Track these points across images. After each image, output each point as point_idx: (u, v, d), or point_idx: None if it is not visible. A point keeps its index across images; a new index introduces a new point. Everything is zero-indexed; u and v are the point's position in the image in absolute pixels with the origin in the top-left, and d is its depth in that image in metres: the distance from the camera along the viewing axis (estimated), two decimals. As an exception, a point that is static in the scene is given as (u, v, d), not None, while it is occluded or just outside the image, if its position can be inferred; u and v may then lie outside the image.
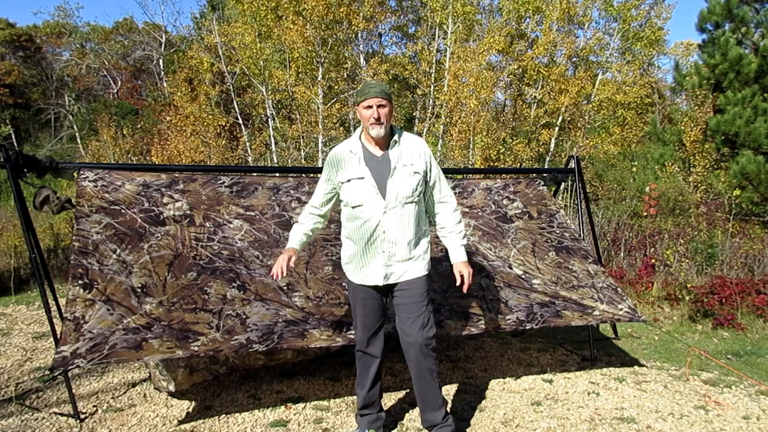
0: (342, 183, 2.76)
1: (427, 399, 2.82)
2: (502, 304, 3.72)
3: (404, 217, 2.69)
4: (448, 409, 2.91)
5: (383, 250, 2.72)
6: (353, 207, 2.74)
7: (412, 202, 2.70)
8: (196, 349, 2.89)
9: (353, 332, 3.05)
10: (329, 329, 3.16)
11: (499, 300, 3.75)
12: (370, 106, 2.63)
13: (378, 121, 2.63)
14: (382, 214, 2.68)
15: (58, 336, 3.18)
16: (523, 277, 3.98)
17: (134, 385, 3.66)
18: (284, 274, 2.71)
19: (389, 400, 3.47)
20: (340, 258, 3.57)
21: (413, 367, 2.79)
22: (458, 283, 2.79)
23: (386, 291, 2.83)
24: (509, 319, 3.61)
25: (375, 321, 2.84)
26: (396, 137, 2.72)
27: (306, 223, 2.91)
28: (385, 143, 2.72)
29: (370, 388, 2.90)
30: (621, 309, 3.89)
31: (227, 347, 2.94)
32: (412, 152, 2.72)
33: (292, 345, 3.04)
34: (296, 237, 2.88)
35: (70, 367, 2.78)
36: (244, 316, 3.13)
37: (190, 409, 3.28)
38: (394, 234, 2.70)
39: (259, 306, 3.22)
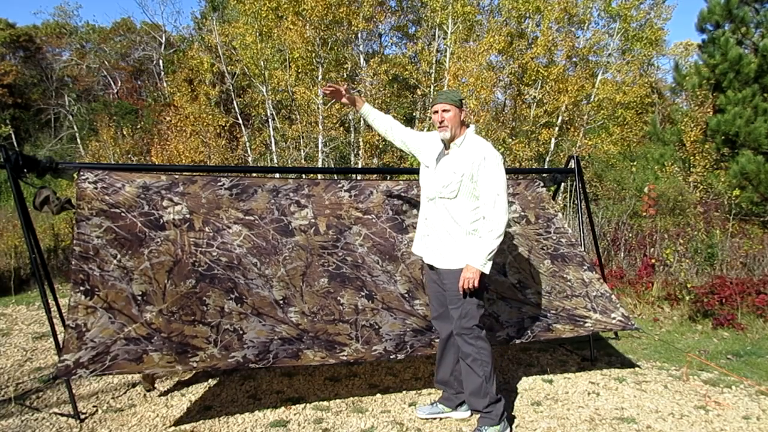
0: (420, 161, 3.12)
1: (465, 382, 3.02)
2: (494, 319, 3.72)
3: (441, 210, 2.94)
4: (499, 406, 2.97)
5: (426, 234, 3.05)
6: (421, 186, 3.12)
7: (447, 198, 2.91)
8: (195, 364, 2.94)
9: (345, 353, 3.21)
10: (323, 350, 3.21)
11: (491, 315, 3.75)
12: (437, 111, 2.92)
13: (441, 124, 2.91)
14: (427, 202, 3.03)
15: (59, 338, 3.18)
16: (517, 286, 3.96)
17: (134, 385, 3.66)
18: (329, 88, 3.14)
19: (389, 400, 3.48)
20: (335, 269, 3.59)
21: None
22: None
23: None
24: (499, 336, 3.62)
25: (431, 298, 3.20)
26: (458, 141, 2.92)
27: (387, 118, 3.25)
28: (450, 145, 2.98)
29: (439, 365, 3.19)
30: (614, 318, 3.88)
31: (224, 364, 3.00)
32: (465, 157, 2.89)
33: (287, 365, 3.10)
34: (375, 111, 3.26)
35: (72, 377, 2.79)
36: (240, 332, 3.17)
37: (190, 409, 3.28)
38: (433, 222, 2.99)
39: (256, 321, 3.25)
